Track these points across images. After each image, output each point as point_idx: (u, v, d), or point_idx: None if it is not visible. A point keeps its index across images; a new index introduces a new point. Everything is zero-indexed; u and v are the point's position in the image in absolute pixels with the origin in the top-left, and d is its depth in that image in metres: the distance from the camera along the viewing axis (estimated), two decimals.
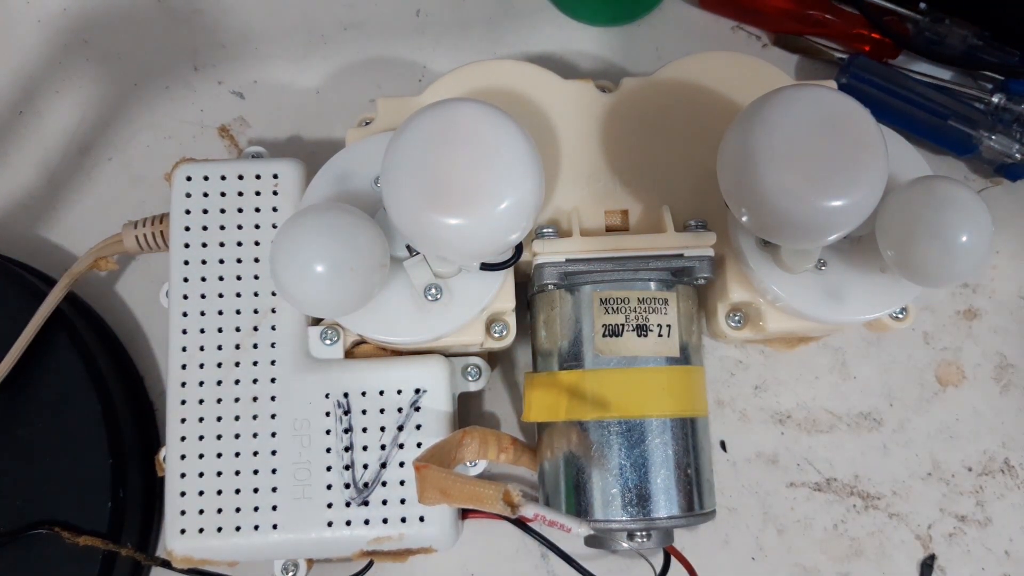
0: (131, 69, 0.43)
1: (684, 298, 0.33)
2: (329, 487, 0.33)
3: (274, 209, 0.35)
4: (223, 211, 0.35)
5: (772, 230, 0.29)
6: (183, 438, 0.33)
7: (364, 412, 0.33)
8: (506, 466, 0.36)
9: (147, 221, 0.36)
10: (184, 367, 0.34)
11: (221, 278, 0.34)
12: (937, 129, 0.40)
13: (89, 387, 0.36)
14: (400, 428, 0.33)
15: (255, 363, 0.34)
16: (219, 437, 0.33)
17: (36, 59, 0.43)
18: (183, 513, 0.32)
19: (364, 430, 0.33)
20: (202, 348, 0.34)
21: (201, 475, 0.33)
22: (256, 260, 0.34)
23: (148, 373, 0.40)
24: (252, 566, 0.34)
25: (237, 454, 0.33)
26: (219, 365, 0.34)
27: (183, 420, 0.33)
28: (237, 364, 0.34)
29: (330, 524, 0.33)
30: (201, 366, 0.34)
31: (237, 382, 0.33)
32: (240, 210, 0.35)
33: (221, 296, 0.34)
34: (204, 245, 0.34)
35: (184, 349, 0.34)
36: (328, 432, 0.33)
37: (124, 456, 0.36)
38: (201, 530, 0.32)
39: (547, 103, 0.35)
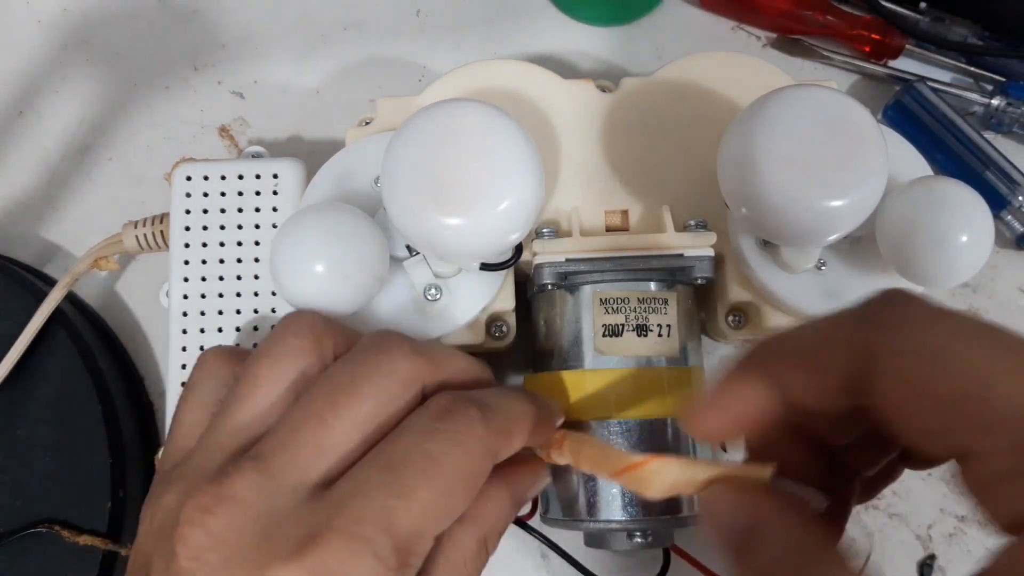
0: (131, 69, 0.43)
1: (684, 298, 0.33)
2: None
3: (274, 209, 0.35)
4: (223, 211, 0.35)
5: (772, 230, 0.29)
6: None
7: None
8: None
9: (147, 221, 0.36)
10: (184, 367, 0.34)
11: (221, 278, 0.34)
12: (975, 176, 0.39)
13: (89, 387, 0.36)
14: None
15: None
16: None
17: (36, 59, 0.43)
18: None
19: None
20: (202, 348, 0.34)
21: None
22: (256, 260, 0.34)
23: (148, 373, 0.40)
24: None
25: None
26: None
27: None
28: None
29: None
30: None
31: None
32: (240, 210, 0.35)
33: (221, 296, 0.34)
34: (204, 245, 0.34)
35: (184, 349, 0.34)
36: None
37: (124, 456, 0.36)
38: None
39: (547, 103, 0.35)
